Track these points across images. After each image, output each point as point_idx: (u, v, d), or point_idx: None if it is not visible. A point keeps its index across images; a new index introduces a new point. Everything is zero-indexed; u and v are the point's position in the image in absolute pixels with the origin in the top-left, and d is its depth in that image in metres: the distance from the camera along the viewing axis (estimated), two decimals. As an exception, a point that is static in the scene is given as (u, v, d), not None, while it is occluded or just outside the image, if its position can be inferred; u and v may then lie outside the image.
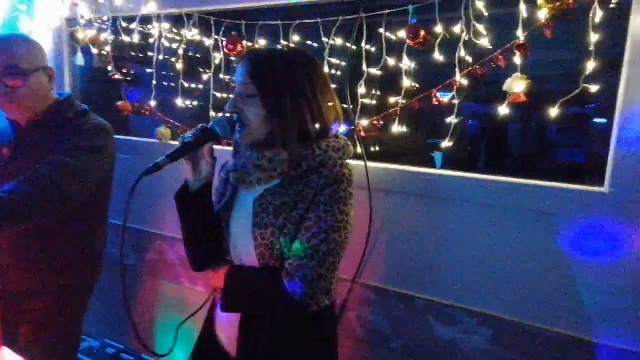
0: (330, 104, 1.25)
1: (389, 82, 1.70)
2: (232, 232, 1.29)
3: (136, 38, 2.21)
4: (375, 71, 1.70)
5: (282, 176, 1.22)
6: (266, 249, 1.21)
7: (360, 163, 1.67)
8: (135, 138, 2.35)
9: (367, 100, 1.72)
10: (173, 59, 2.15)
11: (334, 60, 1.77)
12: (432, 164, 1.85)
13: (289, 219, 1.19)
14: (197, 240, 1.31)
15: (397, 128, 1.66)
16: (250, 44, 1.91)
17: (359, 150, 1.68)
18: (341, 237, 1.18)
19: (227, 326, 1.32)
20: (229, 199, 1.32)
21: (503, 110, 1.47)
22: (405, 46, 1.60)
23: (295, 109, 1.18)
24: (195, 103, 2.16)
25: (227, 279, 1.24)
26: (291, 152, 1.18)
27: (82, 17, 2.33)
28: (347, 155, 1.27)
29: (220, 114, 1.26)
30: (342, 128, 1.74)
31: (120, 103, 2.26)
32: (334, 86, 1.41)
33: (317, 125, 1.22)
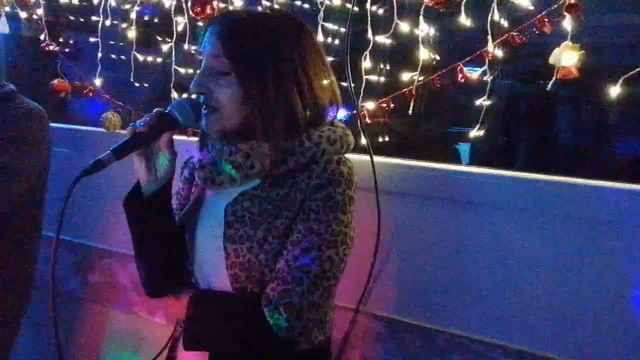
0: (325, 82, 1.25)
1: (402, 53, 1.69)
2: (197, 248, 1.29)
3: (76, -2, 2.21)
4: (383, 39, 1.68)
5: (261, 175, 1.21)
6: (242, 270, 1.20)
7: (365, 158, 1.66)
8: (75, 126, 2.35)
9: (373, 77, 1.71)
10: (124, 25, 2.14)
11: (330, 26, 1.77)
12: (456, 159, 1.84)
13: (270, 230, 1.18)
14: (152, 258, 1.30)
15: (411, 113, 1.65)
16: (222, 5, 1.89)
17: (363, 141, 1.67)
18: (338, 254, 1.17)
19: None
20: (193, 205, 1.32)
21: (549, 89, 1.47)
22: (423, 6, 1.59)
23: (281, 90, 1.17)
24: (152, 81, 2.16)
25: (190, 308, 1.23)
26: (275, 145, 1.17)
27: (6, -29, 2.34)
28: (345, 148, 1.26)
29: (184, 96, 1.25)
30: (341, 113, 1.73)
31: (55, 82, 2.25)
32: (330, 59, 1.39)
33: (308, 111, 1.22)
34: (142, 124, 1.18)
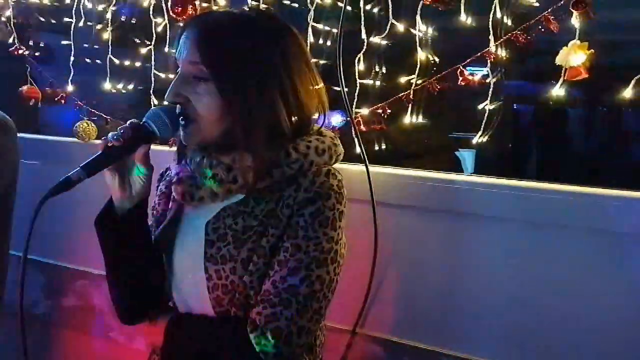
0: (311, 88, 1.25)
1: (398, 55, 1.71)
2: (175, 269, 1.28)
3: (47, -2, 2.21)
4: (378, 41, 1.69)
5: (244, 190, 1.20)
6: (224, 292, 1.19)
7: (360, 167, 1.67)
8: (47, 137, 2.35)
9: (367, 82, 1.72)
10: (99, 26, 2.14)
11: (320, 27, 1.77)
12: (457, 167, 1.84)
13: (255, 249, 1.17)
14: (126, 281, 1.29)
15: (409, 119, 1.66)
16: (205, 4, 1.90)
17: (357, 150, 1.68)
18: (329, 273, 1.17)
19: None
20: (170, 222, 1.31)
21: (556, 91, 1.48)
22: (420, 5, 1.60)
23: (264, 97, 1.16)
24: (130, 87, 2.16)
25: (168, 335, 1.23)
26: (258, 157, 1.16)
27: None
28: (335, 158, 1.26)
29: (162, 105, 1.25)
30: (336, 119, 1.74)
31: (25, 88, 2.25)
32: (321, 62, 1.40)
33: (294, 119, 1.21)
34: (115, 137, 1.16)
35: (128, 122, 1.20)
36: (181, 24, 1.91)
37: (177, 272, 1.28)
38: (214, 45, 1.16)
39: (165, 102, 1.23)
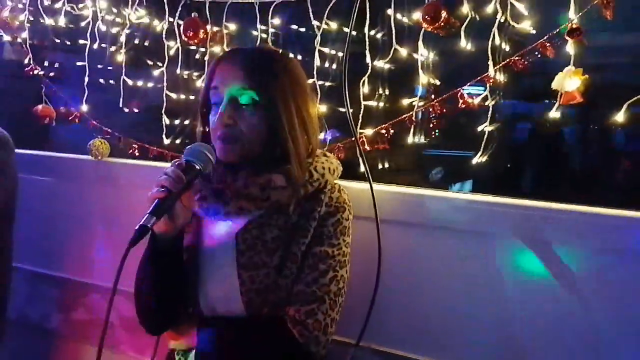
0: (315, 111, 1.45)
1: (401, 78, 1.75)
2: (205, 277, 1.37)
3: (63, 21, 2.24)
4: (382, 64, 1.74)
5: (272, 205, 1.33)
6: (257, 295, 1.31)
7: (365, 186, 1.69)
8: (60, 154, 2.36)
9: (371, 103, 1.76)
10: (112, 49, 2.18)
11: (327, 50, 1.81)
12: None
13: (288, 257, 1.32)
14: (166, 299, 1.36)
15: (411, 139, 1.70)
16: (216, 28, 1.95)
17: (362, 168, 1.70)
18: (347, 272, 1.37)
19: None
20: (197, 236, 1.40)
21: (553, 114, 1.51)
22: (422, 31, 1.64)
23: (301, 118, 1.33)
24: (142, 107, 2.18)
25: (208, 338, 1.32)
26: (302, 171, 1.32)
27: (-11, -7, 2.37)
28: (338, 176, 1.45)
29: (192, 144, 1.31)
30: (330, 136, 1.79)
31: (39, 107, 2.28)
32: (327, 84, 1.48)
33: (314, 139, 1.39)
34: (172, 181, 1.21)
35: (175, 165, 1.26)
36: (193, 48, 2.00)
37: (206, 280, 1.36)
38: (261, 75, 1.30)
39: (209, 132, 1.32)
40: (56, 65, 2.42)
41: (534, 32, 1.55)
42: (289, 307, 1.31)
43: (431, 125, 1.67)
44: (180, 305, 1.39)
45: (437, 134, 1.68)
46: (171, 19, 2.03)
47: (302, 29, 1.86)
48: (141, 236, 1.17)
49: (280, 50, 1.48)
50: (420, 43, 1.66)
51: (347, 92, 1.69)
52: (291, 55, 1.45)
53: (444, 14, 1.58)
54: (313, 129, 1.39)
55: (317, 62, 1.79)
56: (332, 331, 1.33)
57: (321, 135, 1.46)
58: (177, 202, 1.25)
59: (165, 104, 2.08)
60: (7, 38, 2.36)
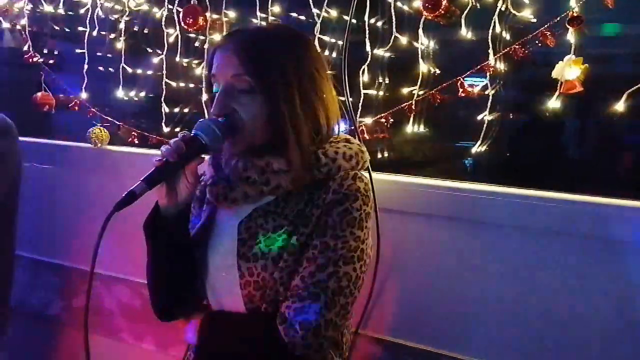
0: (333, 95, 1.31)
1: (401, 67, 1.74)
2: (209, 267, 1.32)
3: (62, 8, 2.24)
4: (382, 53, 1.73)
5: (276, 192, 1.25)
6: (256, 288, 1.24)
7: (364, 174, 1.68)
8: (60, 142, 2.37)
9: (371, 92, 1.75)
10: (112, 36, 2.18)
11: (326, 39, 1.80)
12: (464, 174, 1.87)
13: (286, 247, 1.22)
14: (169, 281, 1.33)
15: (411, 128, 1.70)
16: (215, 16, 1.94)
17: None
18: (355, 270, 1.21)
19: None
20: (205, 224, 1.35)
21: (553, 103, 1.51)
22: (422, 20, 1.64)
23: (306, 102, 1.23)
24: (142, 94, 2.18)
25: (202, 331, 1.27)
26: (305, 158, 1.22)
27: (-12, -20, 2.37)
28: (361, 164, 1.32)
29: (205, 118, 1.27)
30: (340, 126, 1.78)
31: (39, 94, 2.28)
32: (328, 72, 1.45)
33: (327, 124, 1.28)
34: (169, 151, 1.19)
35: (180, 135, 1.23)
36: (192, 35, 1.99)
37: (211, 270, 1.32)
38: (258, 59, 1.22)
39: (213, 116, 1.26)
40: (56, 52, 2.42)
41: (534, 20, 1.54)
42: (283, 303, 1.21)
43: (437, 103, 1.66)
44: (190, 293, 1.35)
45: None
46: (170, 6, 2.02)
47: (302, 17, 1.85)
48: (128, 202, 1.14)
49: (290, 29, 1.35)
50: (420, 31, 1.65)
51: (346, 81, 1.69)
52: (298, 32, 1.33)
53: (444, 2, 1.57)
54: (327, 111, 1.27)
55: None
56: (328, 335, 1.18)
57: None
58: (180, 176, 1.22)
59: (164, 92, 2.07)
60: (6, 25, 2.35)
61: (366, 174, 1.66)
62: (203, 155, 1.24)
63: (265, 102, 1.21)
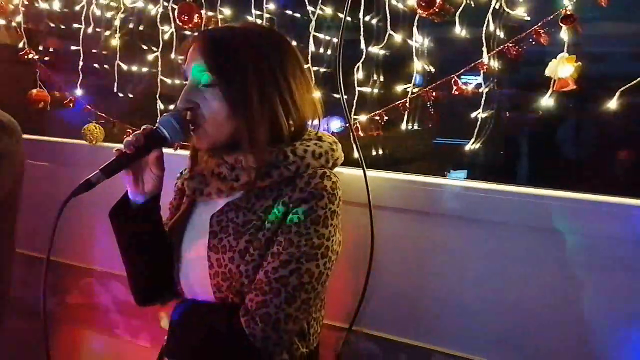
0: (307, 94, 1.33)
1: (395, 64, 1.75)
2: (183, 257, 1.37)
3: (57, 5, 2.23)
4: (376, 50, 1.73)
5: (246, 187, 1.28)
6: (223, 279, 1.28)
7: (358, 172, 1.69)
8: (55, 139, 2.37)
9: (365, 89, 1.76)
10: (107, 33, 2.17)
11: (321, 36, 1.81)
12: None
13: (252, 241, 1.26)
14: (139, 267, 1.38)
15: (405, 125, 1.70)
16: (210, 13, 1.94)
17: (356, 155, 1.70)
18: (319, 267, 1.24)
19: None
20: (182, 215, 1.40)
21: (546, 101, 1.51)
22: (417, 17, 1.64)
23: (264, 101, 1.25)
24: (137, 92, 2.19)
25: (172, 317, 1.33)
26: (259, 157, 1.25)
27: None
28: (332, 162, 1.34)
29: (170, 111, 1.30)
30: (335, 124, 1.79)
31: (34, 91, 2.28)
32: (322, 70, 1.45)
33: (291, 122, 1.29)
34: (128, 144, 1.24)
35: (142, 128, 1.27)
36: (188, 33, 1.99)
37: (184, 260, 1.36)
38: (219, 54, 1.25)
39: (175, 110, 1.29)
40: (51, 49, 2.41)
41: (528, 18, 1.55)
42: (247, 296, 1.24)
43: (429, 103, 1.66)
44: (165, 280, 1.39)
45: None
46: (165, 3, 2.02)
47: (297, 15, 1.85)
48: (84, 190, 1.19)
49: (264, 29, 1.40)
50: (414, 29, 1.65)
51: (341, 78, 1.69)
52: (275, 32, 1.37)
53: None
54: (297, 109, 1.29)
55: (311, 47, 1.78)
56: (287, 328, 1.22)
57: (316, 122, 1.39)
58: (144, 167, 1.28)
59: (159, 89, 2.08)
60: (1, 22, 2.34)
61: (353, 171, 1.67)
62: (164, 147, 1.29)
63: (224, 99, 1.24)
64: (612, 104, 1.45)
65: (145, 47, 2.13)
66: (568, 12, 1.46)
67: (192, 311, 1.33)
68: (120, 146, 1.25)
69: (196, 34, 1.43)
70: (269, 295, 1.21)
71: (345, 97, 1.71)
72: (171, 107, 2.07)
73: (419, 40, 1.67)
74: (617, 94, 1.44)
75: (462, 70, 1.61)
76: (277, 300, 1.21)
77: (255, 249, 1.25)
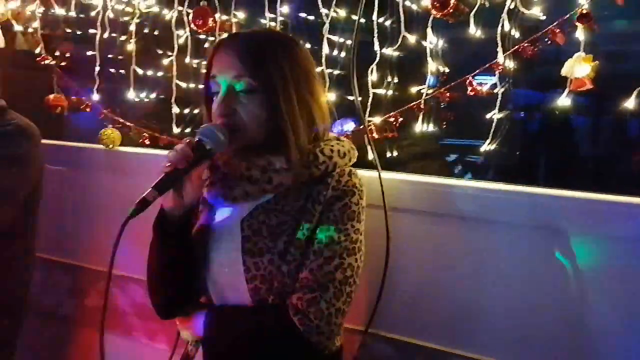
0: (324, 97, 1.38)
1: (409, 66, 1.76)
2: (212, 264, 1.36)
3: (73, 11, 2.25)
4: (390, 52, 1.74)
5: (276, 189, 1.30)
6: (262, 282, 1.29)
7: (374, 174, 1.69)
8: (72, 144, 2.38)
9: (380, 91, 1.76)
10: (122, 38, 2.19)
11: (335, 38, 1.81)
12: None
13: (291, 242, 1.29)
14: (173, 280, 1.36)
15: (420, 127, 1.70)
16: (225, 17, 1.95)
17: (370, 156, 1.71)
18: (357, 260, 1.30)
19: None
20: (205, 222, 1.39)
21: (562, 101, 1.50)
22: (431, 18, 1.64)
23: (303, 102, 1.29)
24: (152, 96, 2.20)
25: (211, 326, 1.32)
26: (301, 158, 1.28)
27: (1, -16, 2.38)
28: (352, 161, 1.40)
29: (206, 124, 1.29)
30: (349, 126, 1.78)
31: (51, 97, 2.29)
32: (335, 72, 1.45)
33: (322, 124, 1.34)
34: (179, 157, 1.22)
35: (185, 141, 1.26)
36: (202, 36, 2.00)
37: (214, 267, 1.36)
38: (258, 60, 1.27)
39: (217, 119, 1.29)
40: (67, 55, 2.42)
41: (543, 18, 1.54)
42: (293, 295, 1.27)
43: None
44: (190, 291, 1.38)
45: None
46: (180, 8, 2.03)
47: (311, 17, 1.85)
48: (141, 209, 1.17)
49: (284, 34, 1.44)
50: (429, 30, 1.65)
51: (355, 81, 1.70)
52: (289, 36, 1.39)
53: (452, 0, 1.57)
54: (320, 113, 1.33)
55: (325, 50, 1.79)
56: (337, 322, 1.27)
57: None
58: (186, 180, 1.25)
59: (174, 93, 2.09)
60: (18, 28, 2.36)
61: (368, 172, 1.68)
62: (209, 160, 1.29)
63: (265, 102, 1.26)
64: (630, 103, 1.44)
65: (160, 52, 2.15)
66: (584, 11, 1.46)
67: (232, 316, 1.34)
68: (165, 161, 1.24)
69: (220, 40, 1.44)
70: (318, 292, 1.25)
71: (359, 99, 1.71)
72: (187, 110, 2.10)
73: (433, 42, 1.67)
74: (635, 93, 1.43)
75: (476, 71, 1.61)
76: (327, 296, 1.25)
77: (297, 248, 1.28)
